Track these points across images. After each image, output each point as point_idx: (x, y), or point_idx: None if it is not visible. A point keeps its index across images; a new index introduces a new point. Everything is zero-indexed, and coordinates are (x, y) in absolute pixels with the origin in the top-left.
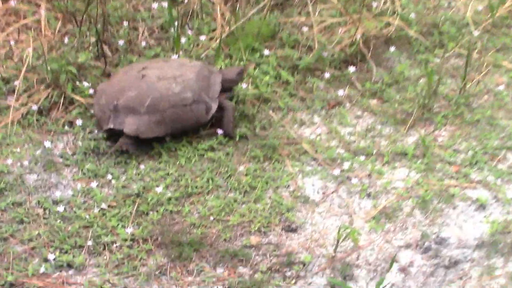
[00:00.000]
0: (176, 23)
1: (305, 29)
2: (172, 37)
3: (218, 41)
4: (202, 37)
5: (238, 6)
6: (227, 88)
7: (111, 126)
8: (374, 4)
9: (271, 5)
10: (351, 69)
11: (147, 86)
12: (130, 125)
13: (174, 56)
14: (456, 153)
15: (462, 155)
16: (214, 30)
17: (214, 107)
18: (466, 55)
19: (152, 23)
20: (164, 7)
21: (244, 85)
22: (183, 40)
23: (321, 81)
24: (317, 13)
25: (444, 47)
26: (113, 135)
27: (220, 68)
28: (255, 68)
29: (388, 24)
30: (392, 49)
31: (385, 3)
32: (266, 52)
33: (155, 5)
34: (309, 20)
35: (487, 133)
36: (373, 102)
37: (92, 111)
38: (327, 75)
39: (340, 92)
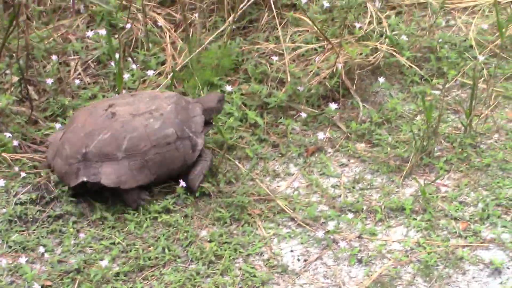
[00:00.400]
0: (117, 55)
1: (274, 58)
2: (113, 73)
3: (169, 76)
4: (150, 72)
5: (191, 32)
6: (208, 119)
7: (83, 179)
8: (357, 25)
9: (232, 30)
10: (333, 106)
11: (121, 125)
12: (107, 175)
13: (116, 96)
14: (463, 206)
15: (471, 209)
16: (163, 63)
17: (201, 142)
18: (470, 85)
19: (87, 57)
20: (101, 35)
21: None
22: (125, 76)
23: (296, 123)
24: (288, 38)
25: (444, 76)
26: (79, 192)
27: (198, 96)
28: None
29: (375, 50)
30: (381, 80)
31: (370, 23)
32: (228, 88)
33: (90, 33)
34: (279, 47)
35: (500, 180)
36: (361, 146)
37: (16, 170)
38: (303, 115)
39: (320, 135)
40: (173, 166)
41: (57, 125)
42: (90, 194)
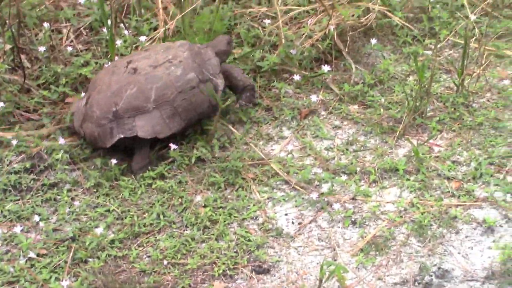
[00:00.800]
0: (109, 22)
1: (267, 21)
2: (105, 40)
3: (161, 42)
4: (142, 38)
5: None
6: (221, 61)
7: (120, 135)
8: None
9: None
10: (325, 68)
11: (145, 78)
12: (142, 127)
13: (108, 63)
14: (456, 165)
15: (464, 168)
16: (155, 28)
17: (221, 82)
18: (462, 44)
19: (79, 24)
20: (93, 1)
21: None
22: (118, 42)
23: (289, 86)
24: (280, 1)
25: (436, 36)
26: (116, 150)
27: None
28: None
29: (367, 11)
30: (374, 41)
31: None
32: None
33: (81, 0)
34: (271, 10)
35: (492, 139)
36: (354, 108)
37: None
38: (296, 77)
39: (314, 98)
40: (201, 109)
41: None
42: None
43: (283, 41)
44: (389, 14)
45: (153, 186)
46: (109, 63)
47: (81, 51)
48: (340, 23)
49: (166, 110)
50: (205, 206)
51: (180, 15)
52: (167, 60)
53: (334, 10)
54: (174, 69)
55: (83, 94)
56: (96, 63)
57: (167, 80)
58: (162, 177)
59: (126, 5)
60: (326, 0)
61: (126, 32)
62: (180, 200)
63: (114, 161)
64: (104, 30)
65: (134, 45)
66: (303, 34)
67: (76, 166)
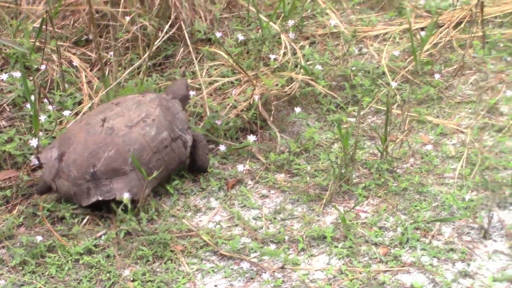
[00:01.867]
0: (32, 97)
1: (191, 93)
2: (29, 115)
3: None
4: (66, 113)
5: (107, 70)
6: (183, 106)
7: (98, 198)
8: (272, 57)
9: (148, 66)
10: (251, 138)
11: (122, 140)
12: (120, 190)
13: (34, 140)
14: (383, 231)
15: (390, 233)
16: (80, 102)
17: (190, 138)
18: (385, 111)
19: (2, 100)
20: (16, 77)
21: None
22: (42, 118)
23: (215, 156)
24: (204, 73)
25: (359, 103)
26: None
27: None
28: None
29: (290, 80)
30: (298, 110)
31: (284, 54)
32: None
33: (4, 76)
34: (196, 82)
35: (417, 204)
36: (280, 177)
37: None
38: (222, 148)
39: (240, 168)
40: (172, 166)
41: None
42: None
43: (208, 112)
44: (312, 83)
45: (81, 261)
46: (35, 138)
47: (5, 127)
48: (264, 93)
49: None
50: (133, 281)
51: (105, 91)
52: (141, 119)
53: (258, 80)
54: (149, 130)
55: (51, 144)
56: (20, 139)
57: (143, 141)
58: (89, 252)
59: (49, 80)
60: (250, 71)
61: (50, 107)
62: (108, 275)
63: (39, 238)
64: (28, 105)
65: (59, 120)
66: (228, 104)
67: (0, 244)
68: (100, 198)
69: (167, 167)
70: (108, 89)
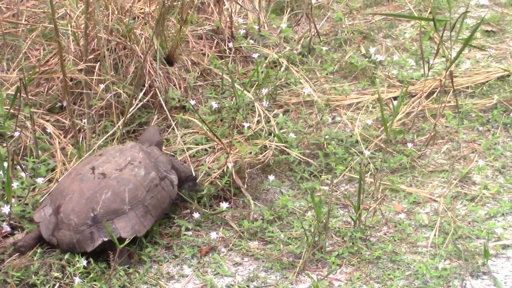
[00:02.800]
0: (5, 164)
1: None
2: (1, 182)
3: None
4: (39, 180)
5: (81, 137)
6: None
7: (103, 239)
8: (246, 125)
9: (122, 133)
10: (224, 205)
11: (116, 181)
12: (124, 228)
13: (6, 207)
14: None
15: None
16: (53, 169)
17: (175, 178)
18: (358, 179)
19: None
20: None
21: None
22: (15, 184)
23: (189, 223)
24: (178, 140)
25: (332, 171)
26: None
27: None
28: None
29: (264, 148)
30: (271, 178)
31: (258, 122)
32: None
33: None
34: (169, 149)
35: (390, 272)
36: (254, 244)
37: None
38: (196, 215)
39: (213, 235)
40: (164, 205)
41: None
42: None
43: None
44: (286, 150)
45: None
46: (7, 206)
47: None
48: (238, 161)
49: (139, 209)
50: None
51: (78, 156)
52: (128, 162)
53: (232, 148)
54: (138, 171)
55: (41, 205)
56: None
57: (135, 181)
58: None
59: (23, 147)
60: (224, 138)
61: (23, 174)
62: None
63: None
64: (0, 172)
65: (32, 187)
66: (202, 171)
67: None
68: (105, 239)
69: (161, 205)
70: (84, 156)
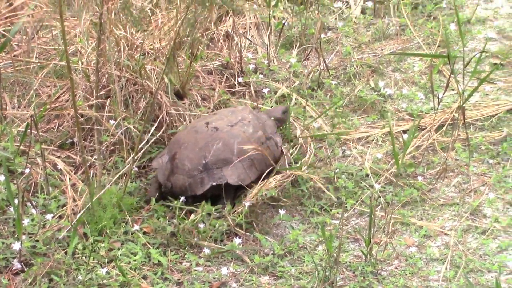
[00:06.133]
0: (16, 201)
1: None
2: (12, 219)
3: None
4: (49, 216)
5: (92, 173)
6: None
7: (212, 183)
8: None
9: (134, 172)
10: (236, 241)
11: (227, 135)
12: (230, 176)
13: (17, 244)
14: None
15: None
16: (64, 205)
17: (280, 140)
18: (368, 213)
19: None
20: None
21: (103, 270)
22: (25, 221)
23: (200, 259)
24: None
25: (342, 205)
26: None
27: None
28: (119, 248)
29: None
30: (282, 212)
31: None
32: (134, 226)
33: None
34: None
35: None
36: (265, 279)
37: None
38: (207, 250)
39: (224, 271)
40: (268, 161)
41: None
42: None
43: (192, 215)
44: (295, 185)
45: None
46: (18, 242)
47: None
48: (254, 197)
49: (246, 161)
50: None
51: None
52: (238, 120)
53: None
54: (247, 128)
55: (160, 154)
56: (3, 242)
57: (244, 136)
58: None
59: (33, 183)
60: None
61: (33, 210)
62: None
63: None
64: (11, 209)
65: (42, 223)
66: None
67: None
68: (214, 184)
69: (265, 162)
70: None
